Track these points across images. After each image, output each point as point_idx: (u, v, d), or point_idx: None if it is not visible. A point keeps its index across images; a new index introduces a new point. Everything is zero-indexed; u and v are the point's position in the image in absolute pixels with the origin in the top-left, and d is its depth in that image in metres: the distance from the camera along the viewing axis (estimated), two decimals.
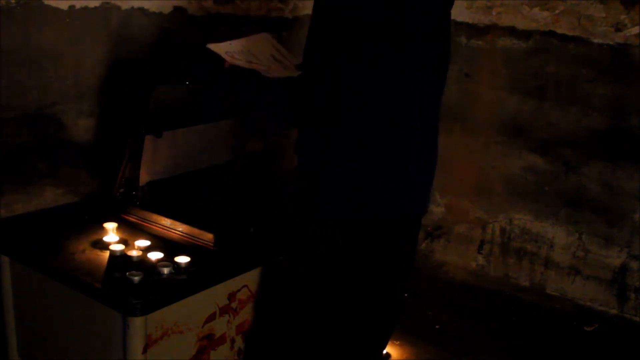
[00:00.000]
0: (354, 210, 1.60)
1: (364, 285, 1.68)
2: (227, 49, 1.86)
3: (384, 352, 2.57)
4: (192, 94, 2.17)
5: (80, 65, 2.21)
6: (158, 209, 2.10)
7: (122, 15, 2.28)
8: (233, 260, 1.95)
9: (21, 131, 2.10)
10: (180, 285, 1.76)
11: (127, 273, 1.73)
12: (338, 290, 1.67)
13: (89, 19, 2.18)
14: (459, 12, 3.12)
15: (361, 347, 1.79)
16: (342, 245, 1.62)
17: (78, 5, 2.14)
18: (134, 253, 1.82)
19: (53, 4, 2.08)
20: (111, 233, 1.97)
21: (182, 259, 1.81)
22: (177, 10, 2.46)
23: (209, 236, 1.96)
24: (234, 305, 1.95)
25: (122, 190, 2.14)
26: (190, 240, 1.99)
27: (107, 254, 1.87)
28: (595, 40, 2.86)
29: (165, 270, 1.76)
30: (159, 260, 1.82)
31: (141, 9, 2.33)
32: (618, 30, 2.80)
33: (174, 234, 2.03)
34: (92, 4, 2.18)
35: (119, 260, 1.83)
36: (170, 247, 1.94)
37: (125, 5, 2.27)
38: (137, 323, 1.66)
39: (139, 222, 2.10)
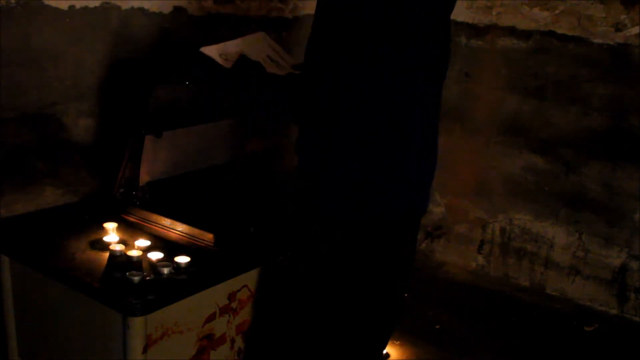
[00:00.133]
0: (355, 210, 1.60)
1: (365, 285, 1.68)
2: (221, 51, 1.86)
3: (384, 352, 2.57)
4: (192, 94, 2.17)
5: (80, 65, 2.21)
6: (158, 209, 2.10)
7: (122, 15, 2.28)
8: (233, 260, 1.95)
9: (21, 131, 2.10)
10: (180, 285, 1.76)
11: (127, 273, 1.73)
12: (338, 290, 1.67)
13: (89, 19, 2.18)
14: (459, 12, 3.12)
15: (361, 347, 1.79)
16: (343, 245, 1.62)
17: (78, 5, 2.14)
18: (134, 253, 1.82)
19: (53, 4, 2.08)
20: (111, 233, 1.96)
21: (182, 259, 1.81)
22: (177, 10, 2.46)
23: (209, 236, 1.96)
24: (234, 305, 1.95)
25: (122, 190, 2.14)
26: (190, 240, 1.99)
27: (107, 254, 1.87)
28: (595, 40, 2.86)
29: (165, 270, 1.76)
30: (159, 260, 1.82)
31: (141, 9, 2.33)
32: (618, 30, 2.80)
33: (174, 234, 2.03)
34: (92, 4, 2.18)
35: (119, 260, 1.83)
36: (170, 247, 1.94)
37: (125, 5, 2.27)
38: (137, 323, 1.66)
39: (139, 222, 2.10)
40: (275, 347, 1.95)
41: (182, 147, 2.26)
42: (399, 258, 1.75)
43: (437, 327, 2.88)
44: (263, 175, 2.60)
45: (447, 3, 1.67)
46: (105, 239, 1.94)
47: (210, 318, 1.89)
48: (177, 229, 2.03)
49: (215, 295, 1.88)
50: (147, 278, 1.73)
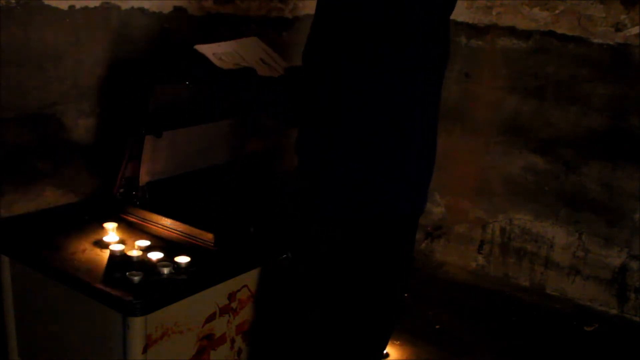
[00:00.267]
0: (355, 210, 1.60)
1: (365, 285, 1.68)
2: (215, 51, 1.86)
3: (384, 352, 2.57)
4: (192, 94, 2.17)
5: (80, 65, 2.21)
6: (158, 209, 2.10)
7: (122, 15, 2.28)
8: (233, 260, 1.95)
9: (21, 131, 2.10)
10: (180, 285, 1.76)
11: (127, 273, 1.73)
12: (338, 290, 1.67)
13: (89, 19, 2.18)
14: (459, 12, 3.12)
15: (361, 347, 1.79)
16: (343, 245, 1.62)
17: (78, 5, 2.14)
18: (134, 253, 1.82)
19: (53, 4, 2.08)
20: (111, 233, 1.96)
21: (182, 259, 1.81)
22: (177, 10, 2.46)
23: (209, 236, 1.96)
24: (234, 305, 1.95)
25: (122, 190, 2.14)
26: (190, 240, 1.99)
27: (107, 254, 1.87)
28: (595, 40, 2.86)
29: (165, 270, 1.76)
30: (159, 260, 1.82)
31: (141, 9, 2.33)
32: (618, 30, 2.80)
33: (174, 234, 2.03)
34: (92, 4, 2.18)
35: (119, 260, 1.83)
36: (170, 247, 1.94)
37: (125, 5, 2.27)
38: (137, 323, 1.66)
39: (139, 222, 2.10)
40: (275, 347, 1.95)
41: (182, 147, 2.26)
42: (399, 258, 1.75)
43: (437, 327, 2.88)
44: (263, 175, 2.60)
45: (447, 3, 1.67)
46: (105, 239, 1.94)
47: (210, 318, 1.89)
48: (177, 229, 2.03)
49: (215, 295, 1.88)
50: (147, 278, 1.73)
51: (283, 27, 2.93)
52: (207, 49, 1.85)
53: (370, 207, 1.61)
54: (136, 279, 1.71)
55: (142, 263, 1.81)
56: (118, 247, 1.86)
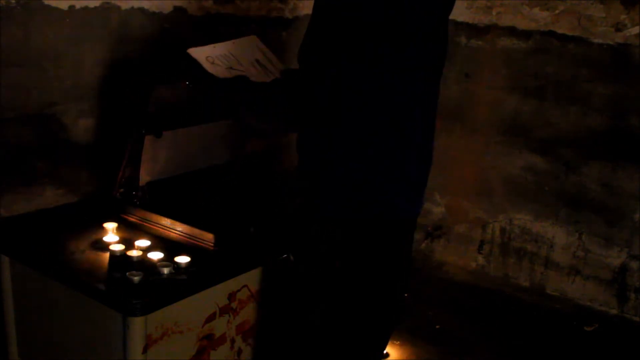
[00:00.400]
0: (355, 210, 1.60)
1: (365, 285, 1.68)
2: (209, 54, 1.85)
3: (384, 351, 2.57)
4: (192, 94, 2.17)
5: (80, 65, 2.21)
6: (158, 209, 2.10)
7: (122, 15, 2.28)
8: (233, 260, 1.95)
9: (21, 131, 2.10)
10: (180, 285, 1.76)
11: (127, 273, 1.73)
12: (339, 290, 1.67)
13: (89, 19, 2.18)
14: (459, 12, 3.12)
15: (361, 347, 1.79)
16: (343, 245, 1.62)
17: (78, 5, 2.14)
18: (134, 253, 1.82)
19: (53, 4, 2.08)
20: (111, 233, 1.96)
21: (182, 259, 1.81)
22: (177, 10, 2.46)
23: (209, 236, 1.96)
24: (234, 305, 1.95)
25: (122, 190, 2.14)
26: (190, 240, 1.99)
27: (107, 254, 1.87)
28: (595, 40, 2.86)
29: (165, 270, 1.76)
30: (159, 260, 1.82)
31: (141, 9, 2.33)
32: (618, 30, 2.80)
33: (174, 234, 2.03)
34: (92, 4, 2.18)
35: (119, 260, 1.83)
36: (170, 247, 1.94)
37: (125, 5, 2.27)
38: (137, 323, 1.66)
39: (139, 222, 2.10)
40: (275, 347, 1.95)
41: (182, 147, 2.26)
42: (399, 258, 1.75)
43: (437, 327, 2.88)
44: (263, 175, 2.60)
45: (447, 3, 1.67)
46: (105, 239, 1.94)
47: (210, 318, 1.89)
48: (177, 229, 2.03)
49: (215, 295, 1.88)
50: (147, 278, 1.73)
51: (283, 27, 2.93)
52: (200, 53, 1.84)
53: (371, 207, 1.61)
54: (136, 279, 1.71)
55: (142, 263, 1.81)
56: (118, 247, 1.86)
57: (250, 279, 1.98)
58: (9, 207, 2.09)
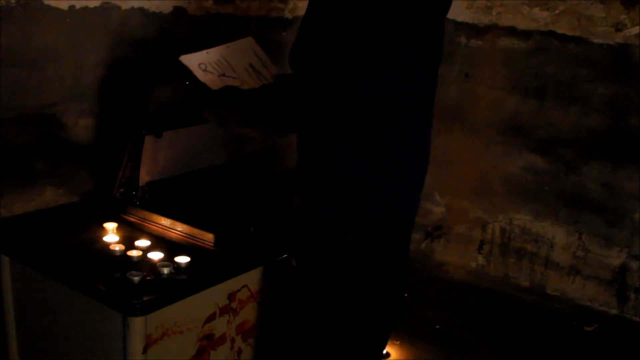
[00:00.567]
0: (355, 210, 1.60)
1: (365, 285, 1.68)
2: (202, 60, 1.84)
3: (384, 351, 2.57)
4: (192, 94, 2.17)
5: (80, 65, 2.21)
6: (158, 209, 2.10)
7: (122, 15, 2.28)
8: (233, 260, 1.95)
9: (21, 131, 2.10)
10: (180, 285, 1.76)
11: (127, 273, 1.73)
12: (339, 290, 1.67)
13: (89, 19, 2.18)
14: (459, 12, 3.12)
15: (361, 347, 1.79)
16: (343, 245, 1.62)
17: (78, 5, 2.14)
18: (134, 253, 1.82)
19: (53, 4, 2.08)
20: (111, 233, 1.97)
21: (182, 259, 1.81)
22: (177, 10, 2.46)
23: (209, 236, 1.96)
24: (234, 305, 1.95)
25: (122, 190, 2.14)
26: (190, 240, 1.99)
27: (107, 254, 1.87)
28: (595, 40, 2.86)
29: (165, 270, 1.76)
30: (159, 260, 1.82)
31: (141, 9, 2.33)
32: (618, 30, 2.80)
33: (174, 234, 2.03)
34: (92, 4, 2.18)
35: (119, 260, 1.83)
36: (170, 247, 1.94)
37: (125, 5, 2.27)
38: (137, 323, 1.66)
39: (139, 222, 2.10)
40: (275, 347, 1.95)
41: (182, 147, 2.26)
42: (399, 258, 1.75)
43: (437, 327, 2.88)
44: (263, 175, 2.60)
45: (446, 2, 1.67)
46: (105, 239, 1.94)
47: (210, 318, 1.89)
48: (177, 229, 2.03)
49: (215, 295, 1.88)
50: (147, 278, 1.73)
51: (283, 27, 2.93)
52: (193, 60, 1.84)
53: (370, 207, 1.61)
54: (136, 279, 1.71)
55: (142, 263, 1.81)
56: (118, 247, 1.86)
57: (250, 279, 1.98)
58: (9, 207, 2.09)
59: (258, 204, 2.31)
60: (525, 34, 3.02)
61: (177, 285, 1.75)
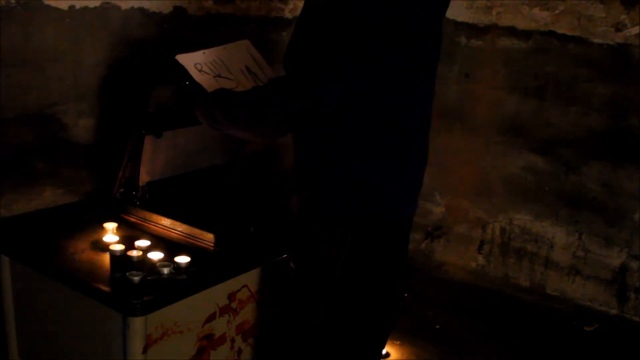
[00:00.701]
0: (356, 210, 1.60)
1: (365, 285, 1.68)
2: (198, 60, 1.85)
3: (384, 351, 2.57)
4: (185, 94, 2.17)
5: (80, 65, 2.21)
6: (158, 209, 2.10)
7: (122, 15, 2.28)
8: (233, 260, 1.95)
9: (21, 131, 2.10)
10: (180, 285, 1.76)
11: (127, 273, 1.73)
12: (339, 290, 1.67)
13: (89, 19, 2.18)
14: (459, 12, 3.12)
15: (361, 347, 1.79)
16: (343, 245, 1.62)
17: (78, 5, 2.14)
18: (134, 253, 1.82)
19: (53, 4, 2.08)
20: (111, 233, 1.96)
21: (182, 259, 1.81)
22: (177, 10, 2.46)
23: (209, 236, 1.96)
24: (234, 305, 1.95)
25: (122, 190, 2.14)
26: (190, 240, 1.99)
27: (107, 254, 1.87)
28: (595, 40, 2.86)
29: (165, 270, 1.76)
30: (159, 260, 1.82)
31: (141, 9, 2.33)
32: (618, 30, 2.80)
33: (174, 234, 2.03)
34: (92, 4, 2.18)
35: (119, 260, 1.82)
36: (170, 247, 1.94)
37: (125, 5, 2.27)
38: (137, 323, 1.66)
39: (139, 222, 2.10)
40: (275, 347, 1.95)
41: (182, 147, 2.26)
42: (399, 258, 1.75)
43: (437, 327, 2.89)
44: (263, 175, 2.60)
45: (445, 2, 1.67)
46: (105, 239, 1.94)
47: (210, 318, 1.89)
48: (177, 229, 2.03)
49: (215, 295, 1.88)
50: (147, 278, 1.73)
51: (283, 27, 2.93)
52: (189, 59, 1.84)
53: (371, 207, 1.61)
54: (136, 279, 1.71)
55: (142, 263, 1.81)
56: (118, 247, 1.86)
57: (250, 279, 1.98)
58: (9, 207, 2.09)
59: (258, 204, 2.31)
60: (525, 34, 3.02)
61: (177, 285, 1.75)
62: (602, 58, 2.86)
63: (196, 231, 1.99)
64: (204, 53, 1.89)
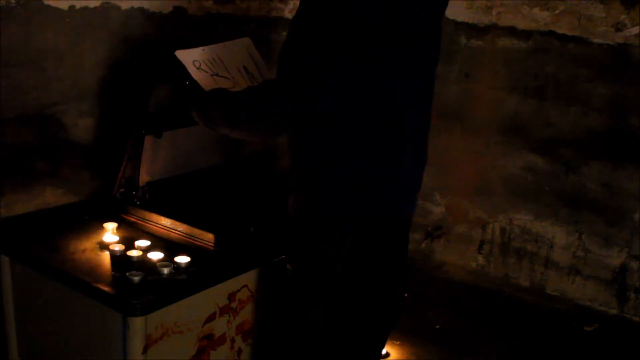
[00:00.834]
0: (355, 210, 1.60)
1: (365, 285, 1.68)
2: (197, 57, 1.85)
3: (384, 351, 2.57)
4: (181, 94, 2.17)
5: (80, 65, 2.21)
6: (158, 209, 2.10)
7: (122, 15, 2.28)
8: (233, 260, 1.95)
9: (21, 131, 2.10)
10: (180, 285, 1.76)
11: (127, 273, 1.73)
12: (339, 290, 1.67)
13: (89, 19, 2.18)
14: (459, 12, 3.12)
15: (361, 347, 1.79)
16: (343, 245, 1.62)
17: (78, 5, 2.14)
18: (134, 253, 1.82)
19: (53, 4, 2.08)
20: (111, 233, 1.97)
21: (182, 259, 1.81)
22: (177, 10, 2.46)
23: (209, 236, 1.96)
24: (234, 305, 1.95)
25: (122, 190, 2.14)
26: (190, 240, 1.99)
27: (107, 254, 1.87)
28: (595, 40, 2.86)
29: (165, 270, 1.76)
30: (159, 260, 1.82)
31: (141, 9, 2.33)
32: (618, 30, 2.80)
33: (174, 234, 2.03)
34: (92, 4, 2.18)
35: (119, 260, 1.83)
36: (170, 247, 1.94)
37: (125, 5, 2.27)
38: (137, 323, 1.66)
39: (139, 222, 2.10)
40: (275, 347, 1.95)
41: (182, 147, 2.26)
42: (399, 258, 1.75)
43: (437, 327, 2.88)
44: (263, 175, 2.60)
45: (444, 2, 1.67)
46: (105, 239, 1.94)
47: (210, 318, 1.89)
48: (177, 229, 2.03)
49: (215, 295, 1.88)
50: (147, 278, 1.73)
51: (283, 27, 2.93)
52: (188, 56, 1.84)
53: (371, 207, 1.62)
54: (136, 279, 1.71)
55: (142, 263, 1.81)
56: (118, 247, 1.86)
57: (250, 279, 1.98)
58: (9, 207, 2.09)
59: (258, 204, 2.31)
60: (525, 34, 3.01)
61: (177, 285, 1.75)
62: (602, 58, 2.86)
63: (196, 231, 1.99)
64: (203, 50, 1.89)
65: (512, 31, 3.05)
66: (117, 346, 1.70)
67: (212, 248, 1.95)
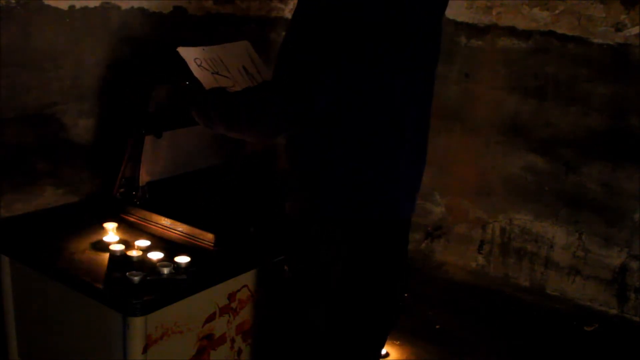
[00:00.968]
0: (355, 210, 1.60)
1: (365, 285, 1.68)
2: (198, 55, 1.86)
3: (384, 351, 2.57)
4: (181, 94, 2.17)
5: (80, 65, 2.21)
6: (158, 209, 2.10)
7: (122, 15, 2.28)
8: (233, 260, 1.95)
9: (21, 131, 2.10)
10: (180, 285, 1.76)
11: (127, 273, 1.73)
12: (339, 290, 1.67)
13: (89, 19, 2.18)
14: (459, 12, 3.12)
15: (361, 347, 1.79)
16: (343, 246, 1.62)
17: (78, 5, 2.14)
18: (134, 253, 1.82)
19: (53, 4, 2.08)
20: (111, 233, 1.97)
21: (182, 259, 1.81)
22: (177, 10, 2.46)
23: (209, 236, 1.96)
24: (234, 305, 1.95)
25: (122, 190, 2.14)
26: (190, 240, 1.99)
27: (107, 254, 1.87)
28: (595, 40, 2.86)
29: (165, 270, 1.76)
30: (159, 260, 1.82)
31: (141, 9, 2.33)
32: (618, 30, 2.80)
33: (174, 234, 2.03)
34: (92, 4, 2.18)
35: (119, 260, 1.83)
36: (170, 247, 1.94)
37: (125, 5, 2.28)
38: (137, 323, 1.66)
39: (139, 222, 2.10)
40: (275, 347, 1.95)
41: (182, 147, 2.26)
42: (399, 258, 1.75)
43: (437, 327, 2.88)
44: (263, 175, 2.60)
45: (444, 2, 1.67)
46: (105, 239, 1.94)
47: (210, 318, 1.89)
48: (177, 229, 2.03)
49: (215, 295, 1.88)
50: (147, 278, 1.73)
51: (283, 27, 2.93)
52: (190, 53, 1.85)
53: (371, 207, 1.61)
54: (136, 279, 1.71)
55: (142, 263, 1.81)
56: (118, 247, 1.86)
57: (250, 279, 1.98)
58: (9, 207, 2.09)
59: (258, 204, 2.31)
60: (525, 34, 3.01)
61: (177, 285, 1.75)
62: (602, 58, 2.86)
63: (196, 231, 1.99)
64: (204, 49, 1.90)
65: (512, 31, 3.05)
66: (117, 346, 1.70)
67: (212, 248, 1.95)
